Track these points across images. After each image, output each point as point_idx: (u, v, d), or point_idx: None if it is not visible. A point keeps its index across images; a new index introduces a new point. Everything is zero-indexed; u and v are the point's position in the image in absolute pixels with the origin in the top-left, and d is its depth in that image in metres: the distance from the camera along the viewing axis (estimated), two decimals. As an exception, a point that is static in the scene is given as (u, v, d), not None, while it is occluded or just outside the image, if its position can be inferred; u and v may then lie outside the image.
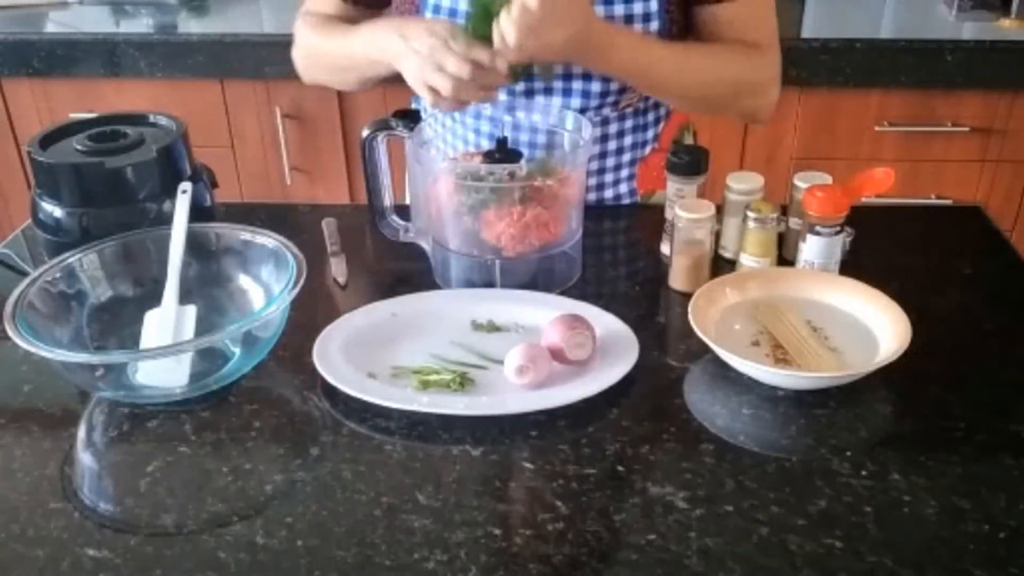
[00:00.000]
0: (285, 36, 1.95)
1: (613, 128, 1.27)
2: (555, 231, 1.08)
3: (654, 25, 1.16)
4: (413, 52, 1.04)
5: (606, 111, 1.24)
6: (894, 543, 0.76)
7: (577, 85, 1.20)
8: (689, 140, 1.38)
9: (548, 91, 1.21)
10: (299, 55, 1.30)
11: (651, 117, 1.30)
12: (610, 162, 1.30)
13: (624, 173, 1.32)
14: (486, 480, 0.84)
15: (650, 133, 1.31)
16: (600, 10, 1.14)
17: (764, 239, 1.09)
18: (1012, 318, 1.07)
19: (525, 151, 1.14)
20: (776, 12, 1.21)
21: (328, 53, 1.24)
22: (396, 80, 1.10)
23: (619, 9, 1.14)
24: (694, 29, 1.22)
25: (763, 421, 0.91)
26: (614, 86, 1.20)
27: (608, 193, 1.32)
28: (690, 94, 1.19)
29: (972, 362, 0.99)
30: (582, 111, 1.20)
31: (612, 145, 1.28)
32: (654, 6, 1.15)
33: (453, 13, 1.16)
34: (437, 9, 1.17)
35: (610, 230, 1.29)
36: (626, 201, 1.33)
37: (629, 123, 1.28)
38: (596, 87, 1.20)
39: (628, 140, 1.29)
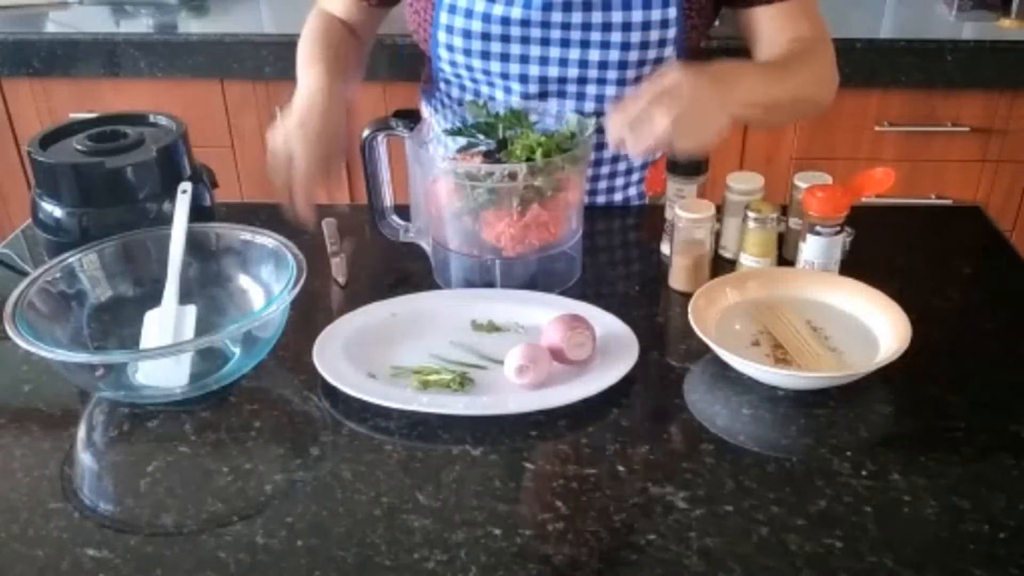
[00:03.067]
0: (285, 36, 1.96)
1: None
2: (555, 231, 1.08)
3: (671, 32, 1.16)
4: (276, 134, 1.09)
5: None
6: (894, 543, 0.76)
7: (591, 89, 1.20)
8: None
9: (562, 95, 1.21)
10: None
11: None
12: (621, 166, 1.30)
13: (635, 176, 1.32)
14: (486, 480, 0.84)
15: None
16: (619, 16, 1.14)
17: (764, 239, 1.09)
18: (1012, 318, 1.07)
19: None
20: None
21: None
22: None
23: (638, 15, 1.14)
24: (742, 31, 1.21)
25: (763, 421, 0.91)
26: (628, 90, 1.20)
27: (618, 196, 1.33)
28: (785, 110, 1.19)
29: (972, 362, 0.99)
30: (596, 115, 1.20)
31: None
32: (673, 12, 1.15)
33: (469, 14, 1.16)
34: (453, 9, 1.17)
35: (610, 230, 1.29)
36: (635, 204, 1.33)
37: None
38: (610, 91, 1.20)
39: None
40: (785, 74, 1.14)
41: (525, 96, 1.20)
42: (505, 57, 1.18)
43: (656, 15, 1.15)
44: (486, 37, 1.17)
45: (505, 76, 1.19)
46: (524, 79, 1.20)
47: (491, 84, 1.22)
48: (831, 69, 1.21)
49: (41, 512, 0.81)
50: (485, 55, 1.18)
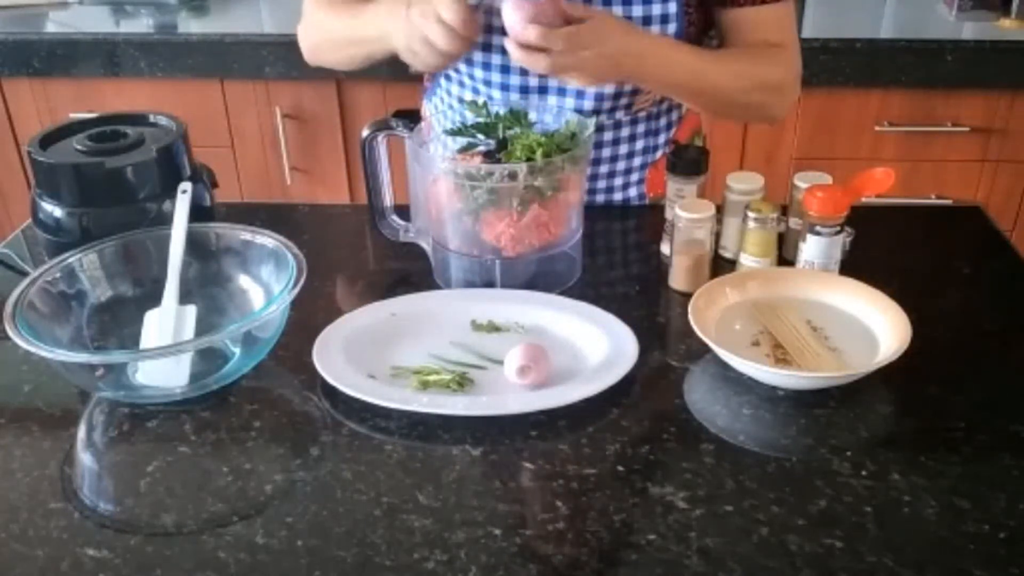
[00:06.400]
0: (285, 36, 1.95)
1: (625, 132, 1.27)
2: (555, 231, 1.08)
3: (672, 28, 1.16)
4: (406, 20, 1.05)
5: (619, 115, 1.24)
6: (894, 543, 0.76)
7: (590, 87, 1.20)
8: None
9: (561, 92, 1.20)
10: (307, 33, 1.28)
11: (663, 122, 1.30)
12: (620, 166, 1.30)
13: (634, 177, 1.32)
14: (486, 480, 0.84)
15: (661, 138, 1.31)
16: (618, 11, 1.14)
17: (764, 239, 1.09)
18: (1012, 318, 1.07)
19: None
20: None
21: (338, 29, 1.22)
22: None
23: (638, 11, 1.14)
24: (717, 30, 1.22)
25: (763, 421, 0.91)
26: (627, 88, 1.20)
27: (617, 196, 1.33)
28: (719, 99, 1.20)
29: (972, 362, 0.99)
30: (595, 113, 1.20)
31: (623, 149, 1.28)
32: (673, 8, 1.15)
33: None
34: None
35: (610, 230, 1.29)
36: (635, 204, 1.33)
37: (641, 128, 1.28)
38: (609, 89, 1.20)
39: (640, 144, 1.29)
40: (714, 61, 1.16)
41: (524, 90, 1.20)
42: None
43: (656, 10, 1.15)
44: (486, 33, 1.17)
45: (505, 70, 1.19)
46: (524, 72, 1.19)
47: (488, 83, 1.21)
48: (788, 79, 1.21)
49: (41, 512, 0.81)
50: (487, 47, 1.18)
